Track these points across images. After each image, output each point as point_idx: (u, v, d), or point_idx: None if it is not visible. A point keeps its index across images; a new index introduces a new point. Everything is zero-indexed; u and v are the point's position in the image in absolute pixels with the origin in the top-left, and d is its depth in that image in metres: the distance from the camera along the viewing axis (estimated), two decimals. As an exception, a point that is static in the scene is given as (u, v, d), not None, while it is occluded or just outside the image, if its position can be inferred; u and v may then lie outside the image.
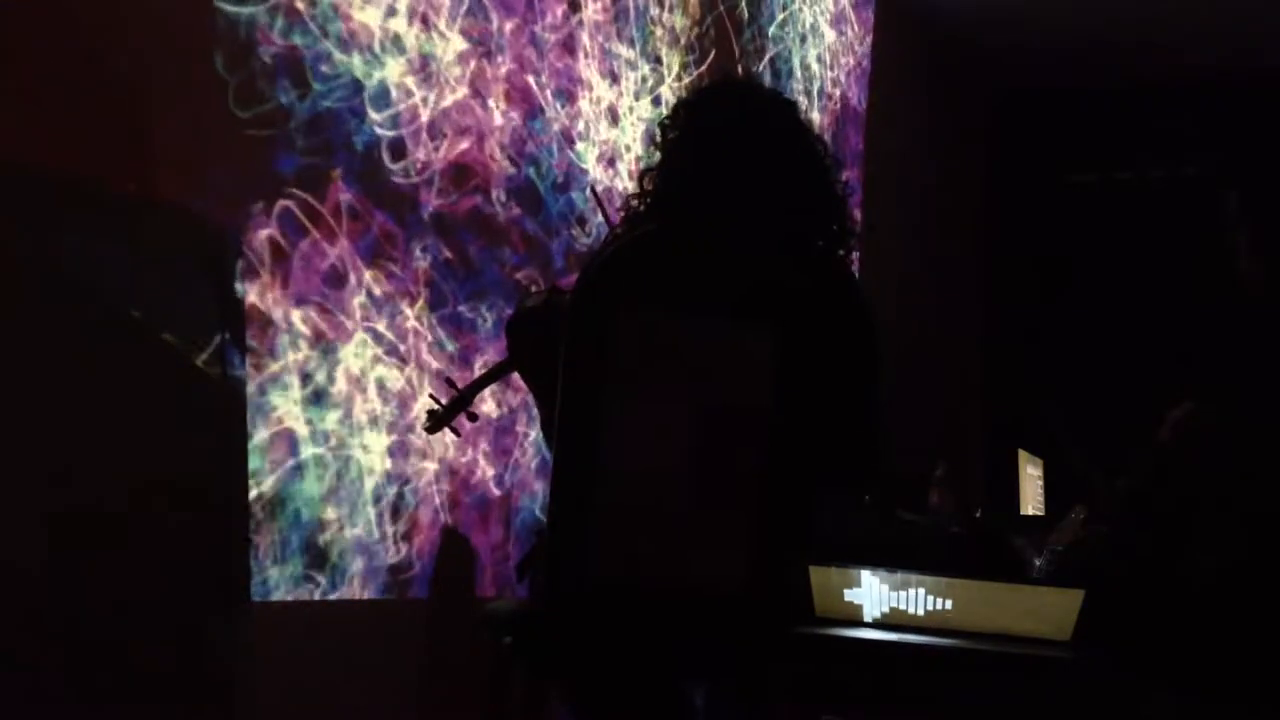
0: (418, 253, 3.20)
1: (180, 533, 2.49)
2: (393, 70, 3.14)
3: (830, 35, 4.91)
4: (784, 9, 4.57)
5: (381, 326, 3.10)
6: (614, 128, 3.88)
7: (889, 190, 6.12)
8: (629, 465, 2.01)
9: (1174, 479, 2.45)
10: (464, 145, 3.34)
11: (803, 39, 4.68)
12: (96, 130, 2.42)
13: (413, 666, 3.19)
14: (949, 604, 2.72)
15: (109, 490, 2.36)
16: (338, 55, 2.97)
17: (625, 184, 3.78)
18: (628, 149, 3.91)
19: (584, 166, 3.71)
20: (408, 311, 3.19)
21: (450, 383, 3.04)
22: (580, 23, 3.72)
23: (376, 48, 3.09)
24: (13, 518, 2.19)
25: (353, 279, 3.03)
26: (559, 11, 3.64)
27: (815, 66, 4.76)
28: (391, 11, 3.12)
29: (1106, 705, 2.42)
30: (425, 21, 3.22)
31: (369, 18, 3.06)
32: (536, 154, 3.58)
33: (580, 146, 3.71)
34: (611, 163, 3.79)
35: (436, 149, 3.25)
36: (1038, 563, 2.78)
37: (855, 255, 2.25)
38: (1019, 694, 2.51)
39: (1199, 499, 2.42)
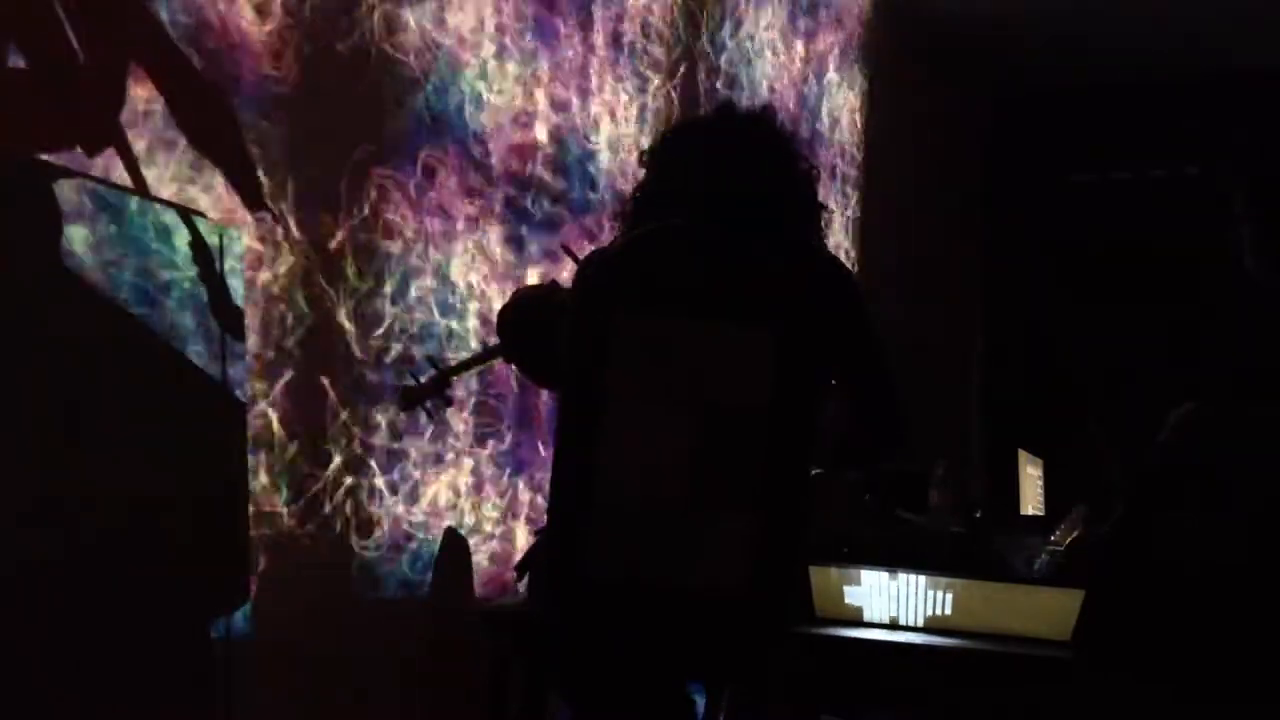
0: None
1: (180, 532, 2.48)
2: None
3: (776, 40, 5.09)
4: (737, 33, 4.78)
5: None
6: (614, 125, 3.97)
7: (889, 190, 6.12)
8: (629, 465, 2.01)
9: (1174, 478, 2.45)
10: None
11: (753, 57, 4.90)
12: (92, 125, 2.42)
13: (413, 667, 3.18)
14: (949, 604, 2.72)
15: (108, 490, 2.36)
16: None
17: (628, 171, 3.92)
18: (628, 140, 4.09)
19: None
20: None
21: (432, 361, 2.98)
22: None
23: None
24: (12, 518, 2.19)
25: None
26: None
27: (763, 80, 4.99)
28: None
29: (1106, 705, 2.42)
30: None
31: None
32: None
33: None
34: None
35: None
36: (1019, 566, 2.79)
37: (850, 252, 2.28)
38: (1019, 694, 2.51)
39: (1199, 498, 2.42)
